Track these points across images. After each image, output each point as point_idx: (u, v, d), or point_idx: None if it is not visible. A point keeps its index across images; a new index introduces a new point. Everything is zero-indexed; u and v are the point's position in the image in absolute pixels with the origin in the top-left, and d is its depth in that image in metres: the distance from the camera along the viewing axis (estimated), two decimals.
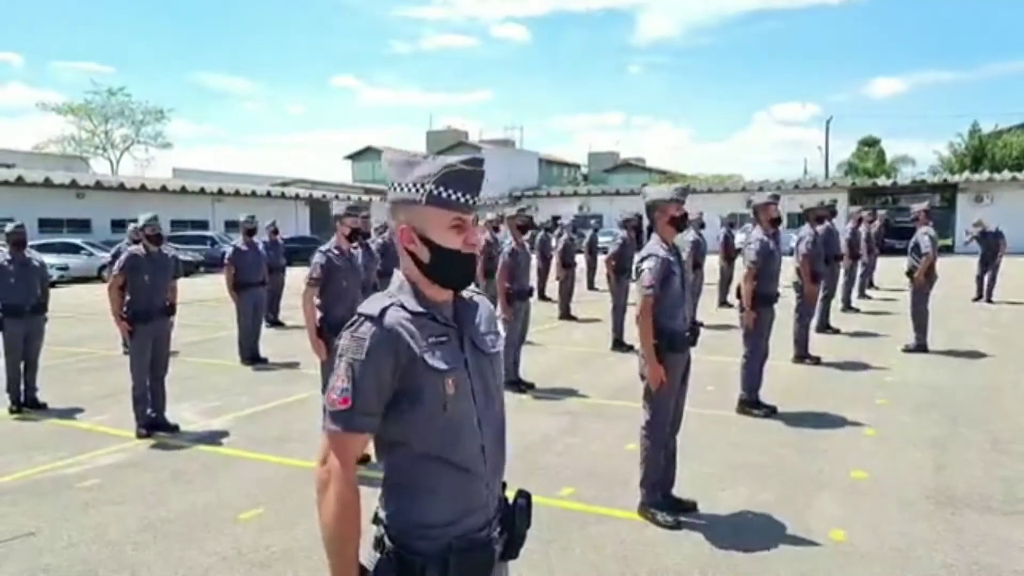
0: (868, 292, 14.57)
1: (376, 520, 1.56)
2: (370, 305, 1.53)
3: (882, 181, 37.76)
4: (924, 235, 8.64)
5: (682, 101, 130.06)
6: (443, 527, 1.51)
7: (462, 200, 1.53)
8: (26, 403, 6.55)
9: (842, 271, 11.91)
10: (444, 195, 1.52)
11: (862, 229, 13.93)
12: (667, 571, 3.46)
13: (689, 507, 4.10)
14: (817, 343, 8.79)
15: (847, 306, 12.40)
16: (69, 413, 6.48)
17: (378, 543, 1.53)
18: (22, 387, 6.57)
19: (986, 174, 35.27)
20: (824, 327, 10.16)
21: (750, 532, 3.87)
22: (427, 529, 1.50)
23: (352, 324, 1.51)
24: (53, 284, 9.78)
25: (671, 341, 3.98)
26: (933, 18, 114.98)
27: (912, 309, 8.83)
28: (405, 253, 1.57)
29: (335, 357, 1.53)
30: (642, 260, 4.04)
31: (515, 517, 1.63)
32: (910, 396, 6.72)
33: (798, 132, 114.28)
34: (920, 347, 8.72)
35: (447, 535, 1.51)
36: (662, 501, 4.04)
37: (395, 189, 1.57)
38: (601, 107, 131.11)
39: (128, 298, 5.70)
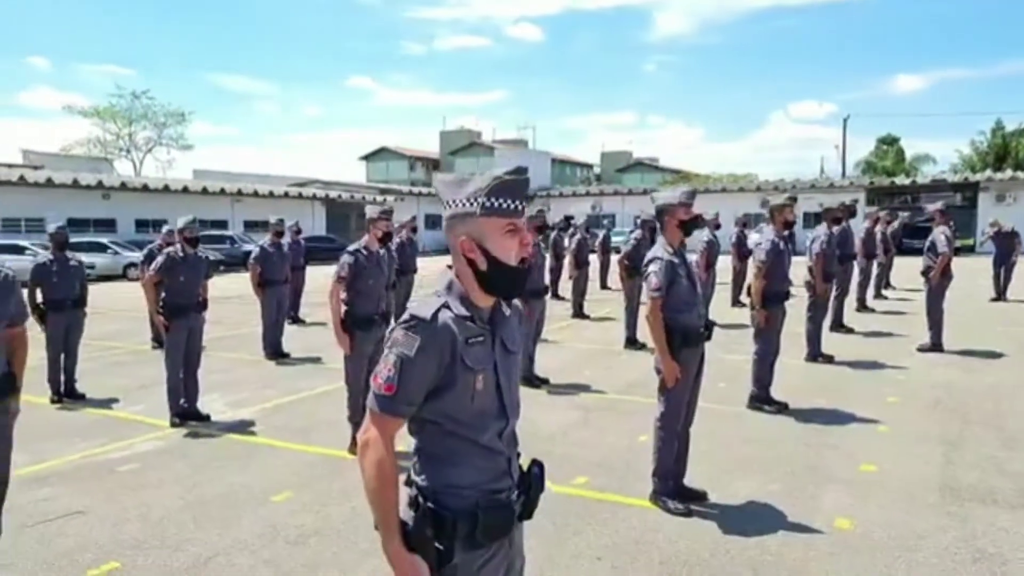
0: (884, 292, 14.62)
1: (409, 483, 1.76)
2: (423, 308, 1.71)
3: (901, 180, 37.56)
4: (940, 234, 8.72)
5: (696, 100, 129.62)
6: (471, 488, 1.72)
7: (512, 206, 1.72)
8: (66, 393, 6.86)
9: (856, 271, 11.98)
10: (496, 204, 1.70)
11: (878, 229, 13.98)
12: (677, 555, 3.64)
13: (700, 496, 4.27)
14: (831, 342, 8.90)
15: (862, 306, 12.47)
16: (106, 403, 6.77)
17: (413, 502, 1.73)
18: (62, 378, 6.87)
19: (1009, 172, 34.96)
20: (838, 326, 10.25)
21: (758, 520, 4.03)
22: (458, 489, 1.72)
23: (406, 322, 1.70)
24: None
25: (686, 337, 4.14)
26: (955, 13, 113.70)
27: (927, 308, 8.91)
28: (464, 261, 1.74)
29: (385, 347, 1.72)
30: (647, 264, 4.20)
31: (531, 483, 1.85)
32: (922, 394, 6.83)
33: (815, 130, 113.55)
34: (935, 346, 8.80)
35: (474, 495, 1.72)
36: (673, 490, 4.22)
37: (450, 205, 1.75)
38: (614, 106, 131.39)
39: (164, 295, 6.00)
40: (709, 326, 4.30)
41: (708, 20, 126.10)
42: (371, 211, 5.47)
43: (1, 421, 3.22)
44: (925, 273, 8.89)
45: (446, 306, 1.72)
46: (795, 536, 3.84)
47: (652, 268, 4.16)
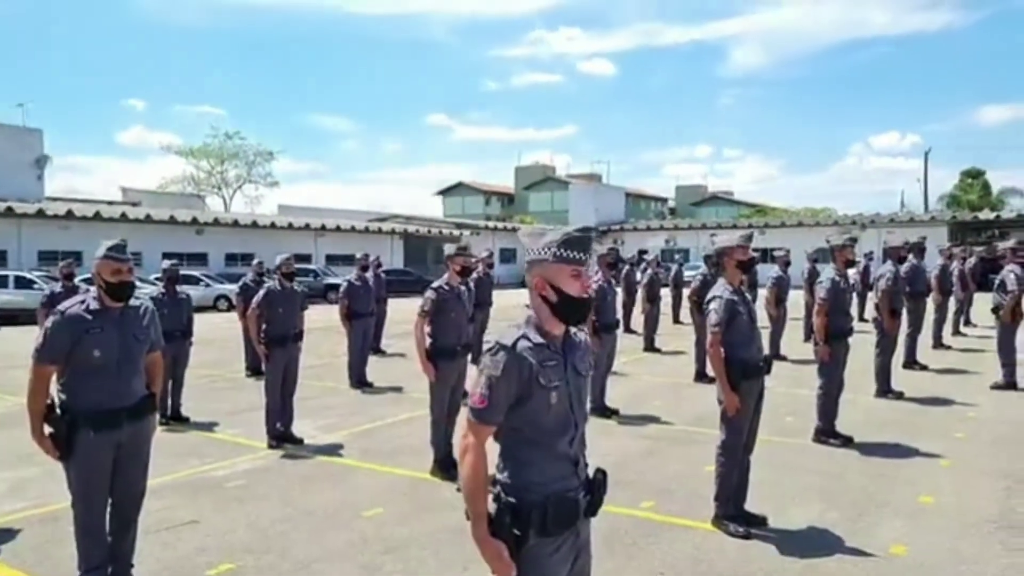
0: (964, 329, 14.28)
1: (494, 482, 2.17)
2: (505, 337, 2.15)
3: (985, 215, 36.16)
4: (1010, 272, 8.72)
5: (774, 132, 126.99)
6: (544, 486, 2.12)
7: (578, 257, 2.15)
8: (172, 416, 7.56)
9: (931, 308, 11.80)
10: (565, 254, 2.14)
11: (955, 265, 13.72)
12: (734, 573, 3.90)
13: (760, 521, 4.51)
14: (903, 379, 8.89)
15: (937, 343, 12.24)
16: (208, 426, 7.44)
17: (496, 496, 2.14)
18: (169, 402, 7.58)
19: None
20: (911, 363, 10.17)
21: (815, 544, 4.25)
22: (533, 486, 2.12)
23: (491, 349, 2.14)
24: None
25: (745, 370, 4.46)
26: None
27: (999, 346, 8.85)
28: (539, 297, 2.18)
29: (478, 371, 2.16)
30: (708, 301, 4.57)
31: (595, 486, 2.25)
32: (990, 431, 6.82)
33: (897, 163, 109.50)
34: (1009, 384, 8.69)
35: (546, 491, 2.12)
36: (734, 514, 4.47)
37: (530, 253, 2.20)
38: (690, 140, 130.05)
39: (265, 326, 6.63)
40: (768, 360, 4.60)
41: (786, 53, 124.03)
42: (449, 248, 6.04)
43: (144, 437, 3.69)
44: (996, 311, 8.87)
45: (524, 336, 2.16)
46: (849, 559, 4.04)
47: (713, 306, 4.52)
